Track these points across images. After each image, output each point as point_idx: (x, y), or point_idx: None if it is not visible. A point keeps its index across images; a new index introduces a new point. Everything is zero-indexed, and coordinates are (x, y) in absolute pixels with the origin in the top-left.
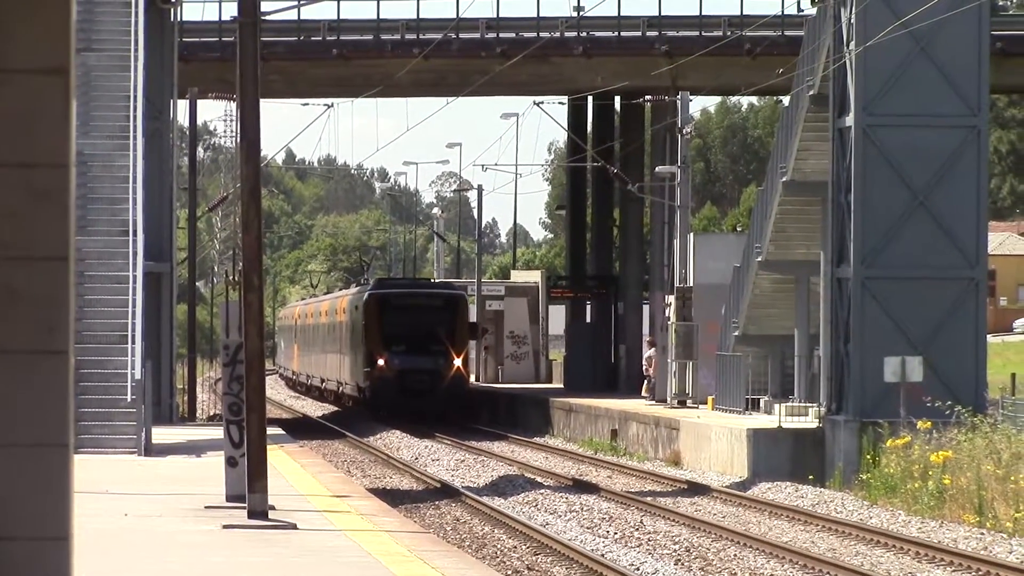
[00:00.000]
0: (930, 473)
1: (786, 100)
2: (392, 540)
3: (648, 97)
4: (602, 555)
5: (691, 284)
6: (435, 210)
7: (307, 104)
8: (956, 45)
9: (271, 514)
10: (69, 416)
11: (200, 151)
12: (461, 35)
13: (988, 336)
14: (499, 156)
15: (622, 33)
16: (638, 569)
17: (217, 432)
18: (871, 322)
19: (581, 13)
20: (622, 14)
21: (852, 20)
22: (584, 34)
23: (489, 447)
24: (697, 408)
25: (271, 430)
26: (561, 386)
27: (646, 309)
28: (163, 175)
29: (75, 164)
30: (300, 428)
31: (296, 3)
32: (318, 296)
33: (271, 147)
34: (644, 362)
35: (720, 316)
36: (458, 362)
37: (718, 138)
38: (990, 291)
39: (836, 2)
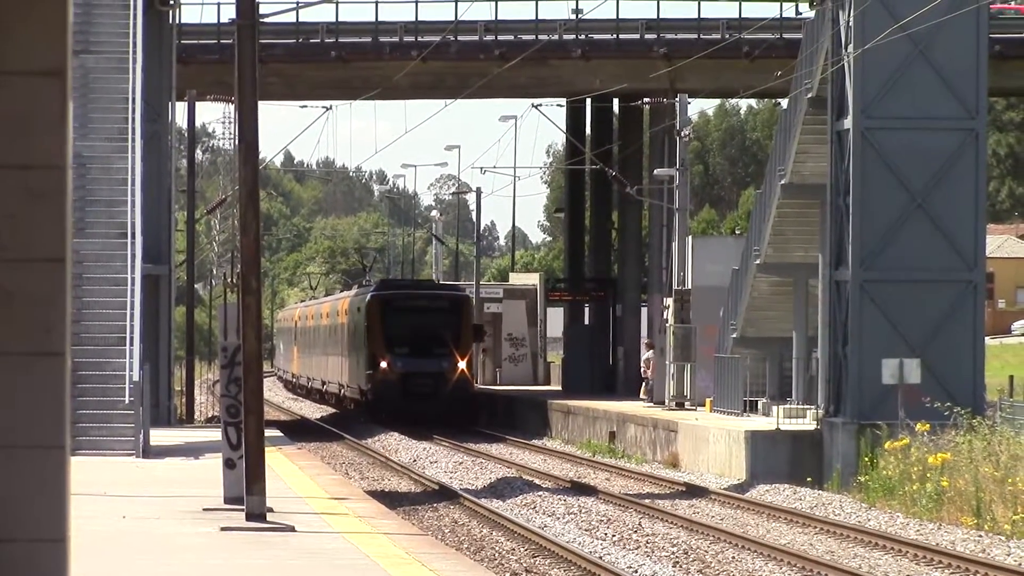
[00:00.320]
0: (928, 475)
1: (784, 103)
2: (390, 542)
3: (646, 100)
4: (600, 557)
5: (689, 287)
6: (434, 212)
7: (306, 106)
8: (954, 48)
9: (269, 516)
10: (66, 418)
11: (199, 153)
12: (460, 38)
13: (986, 338)
14: (498, 159)
15: (620, 36)
16: (636, 571)
17: (215, 434)
18: (869, 324)
19: (579, 16)
20: (620, 17)
21: (850, 23)
22: (582, 37)
23: (487, 449)
24: (695, 410)
25: (269, 432)
26: (559, 388)
27: (644, 311)
28: (161, 177)
29: (73, 166)
30: (298, 430)
31: (295, 5)
32: (318, 298)
33: (270, 149)
34: (642, 364)
35: (718, 318)
36: (462, 365)
37: (716, 141)
38: (988, 293)
39: (834, 5)
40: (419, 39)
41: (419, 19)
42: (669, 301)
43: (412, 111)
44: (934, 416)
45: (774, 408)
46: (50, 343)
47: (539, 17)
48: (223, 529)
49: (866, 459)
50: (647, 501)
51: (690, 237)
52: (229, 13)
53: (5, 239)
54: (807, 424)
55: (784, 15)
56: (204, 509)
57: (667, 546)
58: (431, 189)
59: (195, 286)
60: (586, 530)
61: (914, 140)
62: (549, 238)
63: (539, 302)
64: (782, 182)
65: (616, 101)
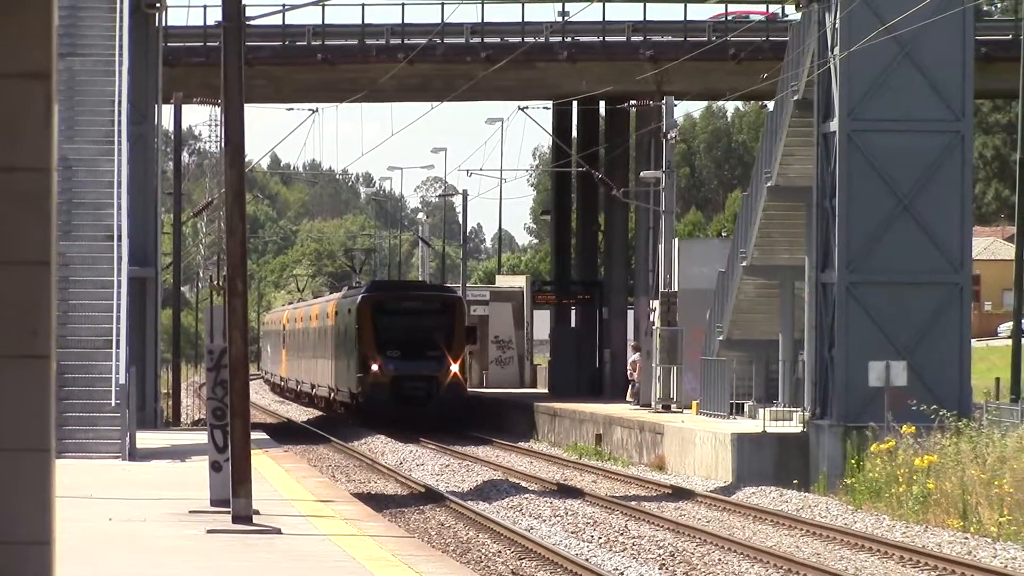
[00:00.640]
0: (915, 478)
1: (771, 105)
2: (376, 545)
3: (633, 102)
4: (587, 560)
5: (676, 289)
6: (420, 215)
7: (292, 109)
8: (940, 50)
9: (255, 519)
10: (51, 420)
11: (185, 156)
12: (446, 40)
13: (973, 341)
14: (484, 161)
15: (607, 38)
16: (622, 574)
17: (201, 437)
18: (855, 327)
19: (566, 18)
20: (607, 19)
21: (836, 25)
22: (569, 39)
23: (474, 452)
24: (681, 413)
25: (255, 435)
26: (546, 391)
27: (631, 314)
28: (148, 180)
29: (59, 168)
30: (284, 433)
31: (281, 8)
32: (307, 300)
33: (256, 152)
34: (629, 367)
35: (704, 321)
36: (455, 368)
37: (703, 143)
38: (975, 296)
39: (820, 7)
40: (405, 41)
41: (405, 21)
42: (655, 303)
43: (398, 113)
44: (920, 418)
45: (760, 410)
46: (35, 346)
47: (525, 19)
48: (209, 531)
49: (852, 461)
50: (633, 503)
51: (676, 239)
52: (215, 15)
53: None
54: (793, 426)
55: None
56: (190, 512)
57: (653, 548)
58: (417, 191)
59: (181, 289)
60: (572, 532)
61: (900, 142)
62: (536, 240)
63: (526, 304)
64: (768, 184)
65: (602, 103)
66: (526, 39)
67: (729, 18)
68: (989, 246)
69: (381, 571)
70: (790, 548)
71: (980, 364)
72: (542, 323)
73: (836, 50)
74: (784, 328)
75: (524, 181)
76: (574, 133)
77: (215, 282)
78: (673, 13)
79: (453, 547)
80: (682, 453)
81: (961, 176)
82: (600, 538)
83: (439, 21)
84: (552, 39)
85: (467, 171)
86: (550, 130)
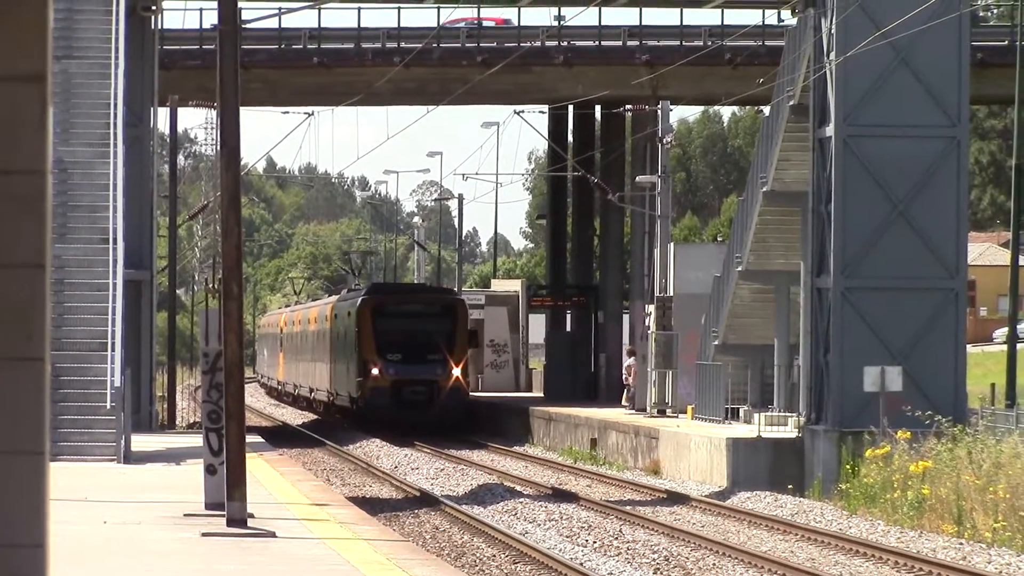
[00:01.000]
0: (909, 483)
1: (767, 110)
2: (371, 548)
3: (629, 107)
4: (581, 564)
5: (671, 294)
6: (416, 219)
7: (288, 112)
8: (936, 56)
9: (250, 522)
10: (45, 423)
11: (180, 159)
12: (442, 44)
13: (968, 346)
14: (480, 165)
15: (603, 43)
16: None
17: (197, 440)
18: (851, 332)
19: (562, 22)
20: (603, 24)
21: (832, 30)
22: (565, 43)
23: (469, 456)
24: (677, 417)
25: (250, 438)
26: (541, 395)
27: (626, 318)
28: (143, 183)
29: (54, 171)
30: (280, 436)
31: (277, 11)
32: (303, 303)
33: (251, 155)
34: (624, 371)
35: (700, 326)
36: (457, 372)
37: (699, 148)
38: (970, 301)
39: (816, 12)
40: (401, 45)
41: (401, 25)
42: (651, 308)
43: (394, 117)
44: (915, 424)
45: (756, 415)
46: (30, 349)
47: (522, 24)
48: (204, 535)
49: (847, 467)
50: (628, 508)
51: (672, 244)
52: (211, 19)
53: None
54: (788, 431)
55: (766, 22)
56: (185, 515)
57: (648, 553)
58: (413, 195)
59: (177, 291)
60: (567, 537)
61: (896, 148)
62: (531, 244)
63: (521, 309)
64: (764, 189)
65: (598, 108)
66: (522, 43)
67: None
68: (984, 252)
69: (375, 575)
70: (785, 553)
71: (975, 370)
72: (537, 327)
73: (832, 55)
74: (779, 333)
75: (520, 185)
76: (570, 137)
77: (210, 285)
78: (669, 18)
79: (448, 551)
80: (677, 458)
81: (957, 182)
82: (595, 542)
83: (435, 25)
84: (548, 43)
85: (463, 175)
86: (546, 134)
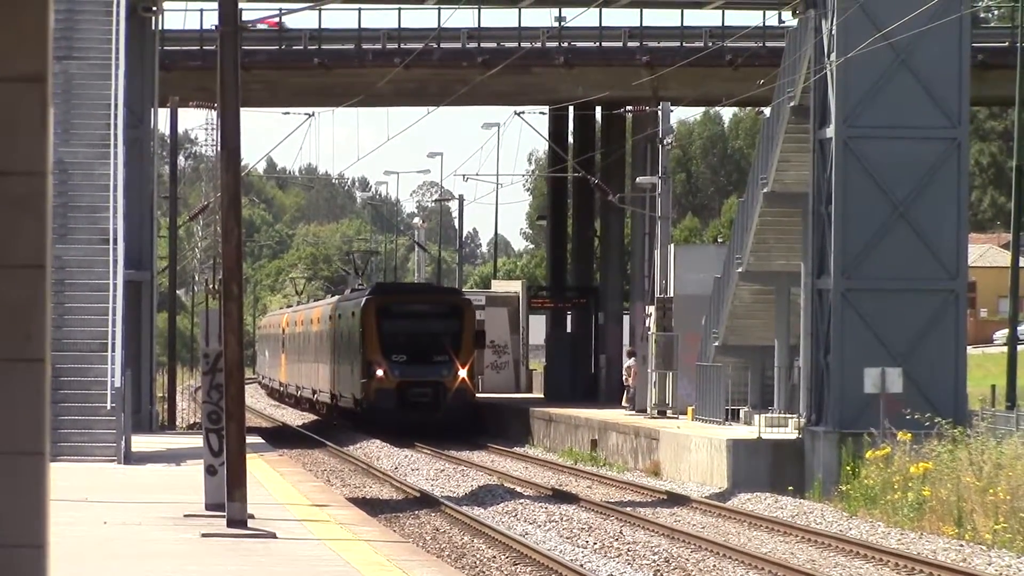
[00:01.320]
0: (910, 485)
1: (767, 111)
2: (371, 549)
3: (629, 108)
4: (581, 565)
5: (671, 295)
6: (416, 219)
7: (288, 113)
8: (937, 57)
9: (250, 523)
10: (46, 424)
11: (181, 160)
12: (442, 45)
13: (968, 348)
14: (480, 166)
15: (603, 44)
16: None
17: (197, 440)
18: (851, 333)
19: (562, 24)
20: (603, 25)
21: (833, 32)
22: (565, 44)
23: (469, 457)
24: (677, 419)
25: (250, 439)
26: (541, 396)
27: (626, 319)
28: (144, 183)
29: (55, 172)
30: (280, 437)
31: (278, 12)
32: (304, 303)
33: (252, 156)
34: (624, 372)
35: (700, 327)
36: (463, 373)
37: (699, 149)
38: (970, 303)
39: (817, 14)
40: (402, 46)
41: (402, 26)
42: (651, 309)
43: (395, 118)
44: (915, 425)
45: (756, 417)
46: (30, 349)
47: (522, 25)
48: (204, 535)
49: (848, 468)
50: (628, 509)
51: (672, 245)
52: (212, 20)
53: None
54: (789, 433)
55: (767, 24)
56: (185, 515)
57: (648, 554)
58: (413, 196)
59: (177, 292)
60: (567, 538)
61: (896, 149)
62: (531, 245)
63: (521, 309)
64: (764, 190)
65: (599, 109)
66: (522, 44)
67: None
68: (985, 253)
69: (375, 575)
70: (785, 555)
71: (976, 371)
72: (538, 328)
73: (832, 56)
74: (780, 334)
75: (520, 186)
76: (570, 138)
77: (211, 286)
78: (670, 19)
79: (448, 552)
80: (677, 459)
81: (957, 183)
82: (595, 544)
83: (435, 26)
84: (549, 44)
85: (463, 176)
86: (546, 135)
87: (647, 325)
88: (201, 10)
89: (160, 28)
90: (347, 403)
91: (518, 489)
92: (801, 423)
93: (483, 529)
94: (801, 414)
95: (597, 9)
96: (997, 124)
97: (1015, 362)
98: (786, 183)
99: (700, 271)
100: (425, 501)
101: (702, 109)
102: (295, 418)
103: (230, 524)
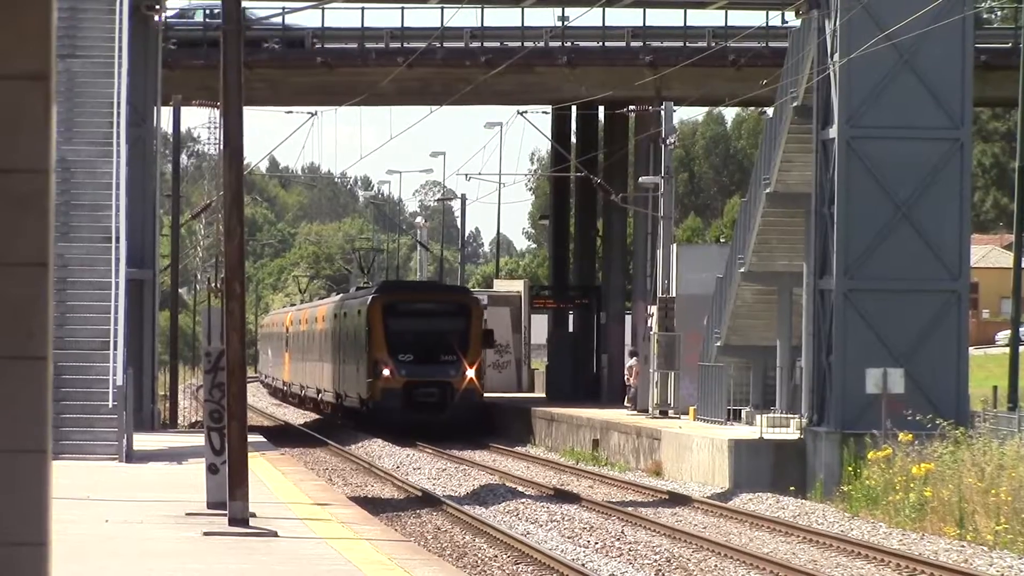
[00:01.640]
0: (912, 485)
1: (770, 111)
2: (373, 548)
3: (632, 107)
4: (583, 565)
5: (674, 295)
6: (418, 219)
7: (291, 112)
8: (940, 58)
9: (252, 521)
10: (48, 422)
11: (184, 158)
12: (445, 44)
13: (970, 349)
14: (483, 165)
15: (606, 43)
16: None
17: (198, 439)
18: (853, 334)
19: (565, 23)
20: (606, 24)
21: (836, 32)
22: (568, 44)
23: (471, 456)
24: (679, 418)
25: (252, 437)
26: (543, 395)
27: (628, 319)
28: (146, 182)
29: (57, 170)
30: (281, 436)
31: (281, 11)
32: (307, 302)
33: (254, 155)
34: (626, 372)
35: (702, 327)
36: (471, 373)
37: (702, 149)
38: (972, 304)
39: (820, 14)
40: (405, 45)
41: (405, 25)
42: (653, 309)
43: (397, 117)
44: (917, 426)
45: (758, 417)
46: (32, 347)
47: (525, 24)
48: (206, 534)
49: (849, 469)
50: (630, 509)
51: (675, 245)
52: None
53: None
54: (790, 433)
55: (770, 24)
56: (187, 514)
57: (650, 554)
58: (416, 195)
59: (179, 291)
60: (569, 537)
61: (899, 150)
62: (534, 245)
63: (523, 309)
64: (767, 191)
65: (601, 108)
66: (526, 44)
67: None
68: (987, 254)
69: (377, 575)
70: (786, 555)
71: (978, 372)
72: (540, 328)
73: (835, 57)
74: (782, 334)
75: (523, 186)
76: (573, 138)
77: (213, 284)
78: (673, 19)
79: (449, 551)
80: (679, 459)
81: (960, 184)
82: (596, 543)
83: (439, 25)
84: (552, 44)
85: (466, 175)
86: (549, 135)
87: (649, 325)
88: (204, 8)
89: (163, 26)
90: (352, 403)
91: (520, 488)
92: (803, 423)
93: (485, 528)
94: (803, 414)
95: (600, 9)
96: (1000, 125)
97: (1017, 363)
98: (789, 183)
99: (702, 271)
100: (427, 500)
101: (705, 109)
102: (297, 417)
103: (232, 523)
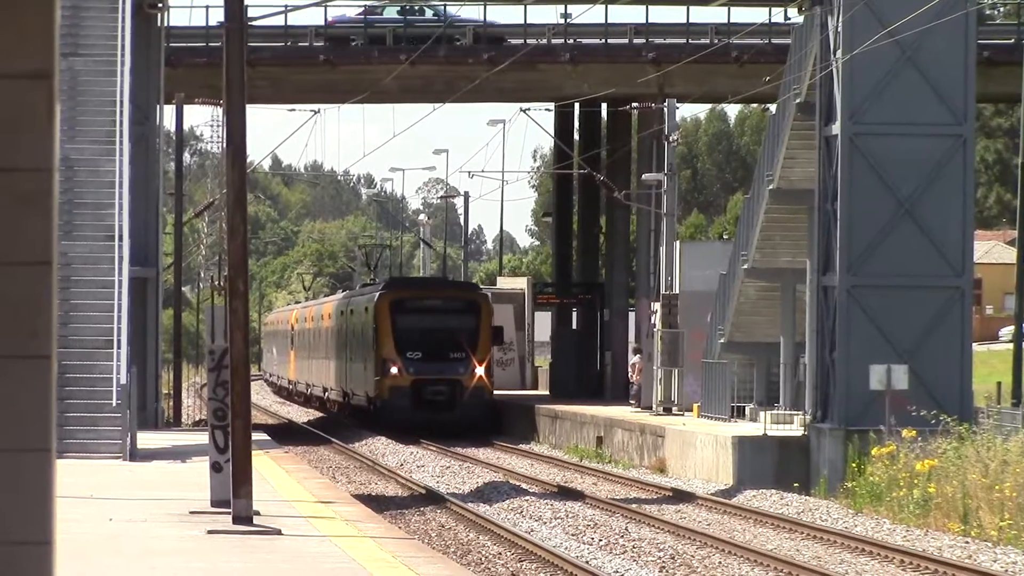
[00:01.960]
0: (915, 482)
1: (773, 108)
2: (377, 546)
3: (635, 104)
4: (587, 562)
5: (677, 291)
6: (421, 216)
7: (294, 110)
8: (943, 54)
9: (256, 520)
10: (52, 420)
11: (186, 156)
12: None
13: (974, 345)
14: (486, 163)
15: (609, 40)
16: None
17: (202, 437)
18: (857, 330)
19: (568, 20)
20: (609, 22)
21: (839, 28)
22: (571, 41)
23: (474, 454)
24: (682, 415)
25: (256, 436)
26: (547, 393)
27: (632, 316)
28: (149, 180)
29: (60, 168)
30: (285, 434)
31: (283, 9)
32: (314, 299)
33: (257, 153)
34: (630, 369)
35: (706, 323)
36: (481, 371)
37: (705, 145)
38: (976, 300)
39: (823, 10)
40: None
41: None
42: (657, 306)
43: (400, 115)
44: (922, 422)
45: (761, 413)
46: (36, 346)
47: (528, 21)
48: (209, 532)
49: (853, 465)
50: (634, 506)
51: (678, 242)
52: (218, 16)
53: None
54: (794, 430)
55: (773, 20)
56: (191, 512)
57: (654, 551)
58: (419, 193)
59: (183, 289)
60: (573, 535)
61: (902, 146)
62: (537, 242)
63: (527, 306)
64: (770, 187)
65: (604, 106)
66: (528, 41)
67: None
68: (991, 250)
69: (381, 572)
70: (790, 551)
71: (981, 368)
72: (543, 325)
73: (838, 53)
74: (785, 331)
75: (525, 183)
76: (576, 135)
77: (216, 282)
78: (675, 16)
79: (453, 549)
80: (683, 456)
81: (963, 180)
82: (600, 540)
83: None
84: (554, 41)
85: (469, 173)
86: (552, 132)
87: (653, 322)
88: (207, 6)
89: (165, 25)
90: (360, 401)
91: (524, 486)
92: (807, 420)
93: (488, 526)
94: (807, 411)
95: (603, 6)
96: (1003, 121)
97: (1021, 359)
98: (792, 180)
99: (706, 268)
100: (431, 498)
101: (708, 106)
102: (301, 415)
103: (235, 521)
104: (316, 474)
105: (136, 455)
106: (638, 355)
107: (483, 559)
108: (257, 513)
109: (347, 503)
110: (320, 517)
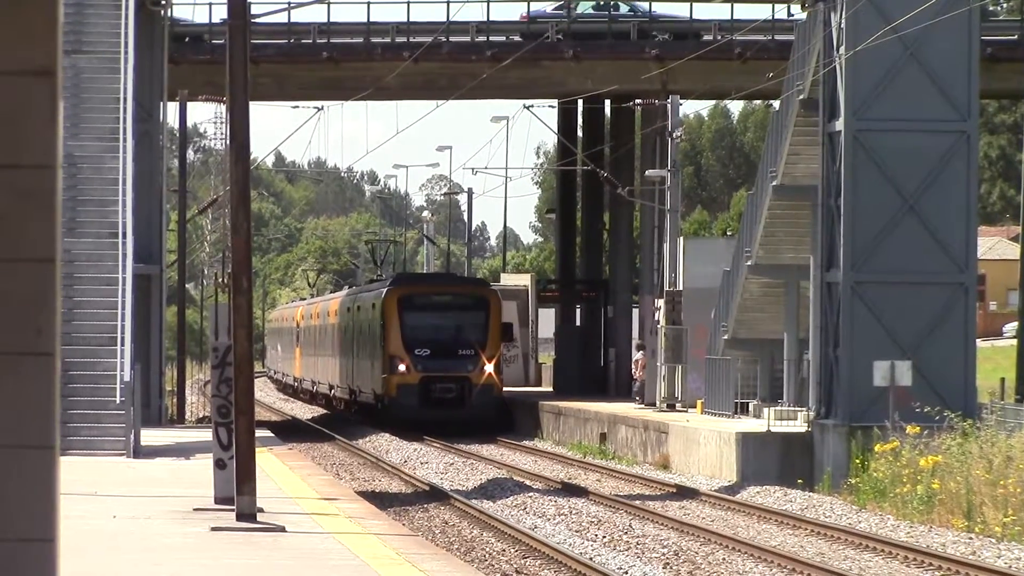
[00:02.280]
0: (919, 478)
1: (776, 104)
2: (380, 543)
3: (638, 101)
4: (591, 559)
5: (681, 288)
6: (425, 213)
7: (297, 107)
8: (946, 50)
9: (259, 516)
10: (56, 417)
11: (190, 153)
12: (451, 38)
13: (978, 341)
14: (489, 159)
15: (613, 35)
16: (627, 573)
17: (206, 434)
18: (860, 326)
19: (571, 17)
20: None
21: (842, 25)
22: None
23: (478, 450)
24: (686, 412)
25: (260, 432)
26: (550, 389)
27: (636, 313)
28: (153, 177)
29: (64, 166)
30: (289, 431)
31: (286, 6)
32: (320, 296)
33: (261, 150)
34: (633, 365)
35: (709, 320)
36: (490, 368)
37: (708, 142)
38: (980, 296)
39: (826, 7)
40: (411, 40)
41: (411, 20)
42: (660, 302)
43: (403, 112)
44: (925, 418)
45: (765, 410)
46: (40, 343)
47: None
48: (213, 529)
49: (857, 461)
50: (638, 502)
51: (681, 238)
52: (221, 13)
53: None
54: (798, 426)
55: (776, 17)
56: (194, 509)
57: (657, 547)
58: (422, 190)
59: (186, 286)
60: (576, 531)
61: (906, 142)
62: (540, 239)
63: (530, 303)
64: (773, 183)
65: (608, 102)
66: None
67: None
68: (994, 246)
69: (385, 569)
70: (794, 548)
71: (985, 364)
72: (547, 321)
73: (842, 50)
74: (789, 327)
75: (529, 179)
76: (579, 132)
77: (220, 279)
78: (679, 12)
79: (457, 545)
80: (687, 452)
81: (966, 176)
82: (604, 537)
83: (444, 20)
84: (557, 37)
85: (472, 169)
86: (555, 129)
87: (656, 318)
88: (210, 3)
89: (169, 21)
90: (367, 399)
91: (527, 483)
92: (810, 416)
93: (492, 523)
94: (810, 407)
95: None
96: (1007, 117)
97: None
98: (795, 176)
99: (709, 264)
100: (434, 495)
101: (711, 102)
102: (304, 412)
103: (239, 518)
104: (320, 471)
105: (140, 452)
106: (642, 351)
107: (487, 556)
108: (261, 510)
109: (351, 500)
110: (324, 514)
